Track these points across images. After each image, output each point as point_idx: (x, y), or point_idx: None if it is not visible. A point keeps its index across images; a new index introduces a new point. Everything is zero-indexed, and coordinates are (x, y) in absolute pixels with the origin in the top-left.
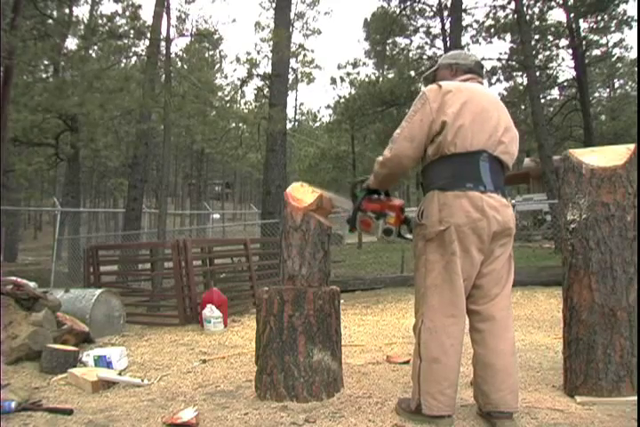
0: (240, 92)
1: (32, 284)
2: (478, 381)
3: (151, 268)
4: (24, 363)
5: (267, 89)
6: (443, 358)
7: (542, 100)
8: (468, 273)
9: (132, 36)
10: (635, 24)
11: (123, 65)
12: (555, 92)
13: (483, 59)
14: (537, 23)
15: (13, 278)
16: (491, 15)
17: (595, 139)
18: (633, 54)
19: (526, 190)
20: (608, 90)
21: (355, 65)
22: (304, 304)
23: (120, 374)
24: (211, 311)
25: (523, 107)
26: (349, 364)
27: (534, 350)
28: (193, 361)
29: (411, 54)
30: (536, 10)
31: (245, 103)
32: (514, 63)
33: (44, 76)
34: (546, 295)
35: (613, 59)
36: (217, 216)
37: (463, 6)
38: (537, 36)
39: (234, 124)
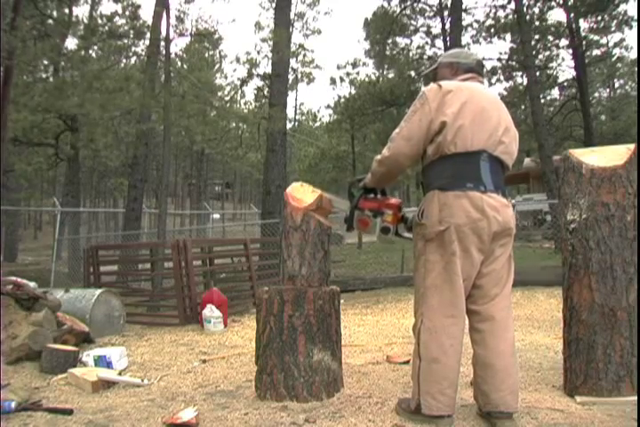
0: (240, 92)
1: (32, 284)
2: (478, 381)
3: (151, 268)
4: (24, 363)
5: (267, 89)
6: (442, 358)
7: (542, 100)
8: (468, 273)
9: (131, 36)
10: (635, 24)
11: (122, 65)
12: (555, 92)
13: (483, 59)
14: (537, 23)
15: (13, 278)
16: (491, 15)
17: (595, 139)
18: (633, 54)
19: (526, 190)
20: (608, 90)
21: (355, 65)
22: (304, 304)
23: (120, 374)
24: (211, 311)
25: (523, 107)
26: (349, 364)
27: (534, 350)
28: (193, 361)
29: (411, 54)
30: (536, 10)
31: (245, 103)
32: (514, 63)
33: (43, 76)
34: (546, 295)
35: (613, 59)
36: (217, 216)
37: (463, 6)
38: (537, 36)
39: (234, 124)
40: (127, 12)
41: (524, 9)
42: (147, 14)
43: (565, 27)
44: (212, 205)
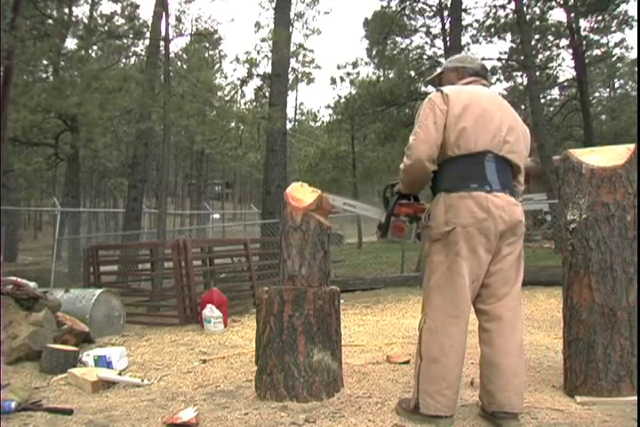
0: (240, 91)
1: (32, 284)
2: (484, 380)
3: (151, 268)
4: (24, 363)
5: (267, 89)
6: (442, 358)
7: (542, 100)
8: (477, 274)
9: (131, 36)
10: (635, 24)
11: (122, 65)
12: (555, 92)
13: (483, 59)
14: (537, 23)
15: (13, 278)
16: (491, 15)
17: (595, 139)
18: (633, 54)
19: (526, 190)
20: (608, 90)
21: (355, 65)
22: (304, 304)
23: (120, 374)
24: (211, 311)
25: (523, 107)
26: (349, 364)
27: (534, 350)
28: (193, 361)
29: (411, 54)
30: (536, 10)
31: (245, 103)
32: (514, 63)
33: (43, 76)
34: (546, 295)
35: (614, 59)
36: (217, 216)
37: (463, 6)
38: (537, 36)
39: (233, 124)
40: (126, 12)
41: (524, 9)
42: (146, 14)
43: (565, 27)
44: (212, 205)
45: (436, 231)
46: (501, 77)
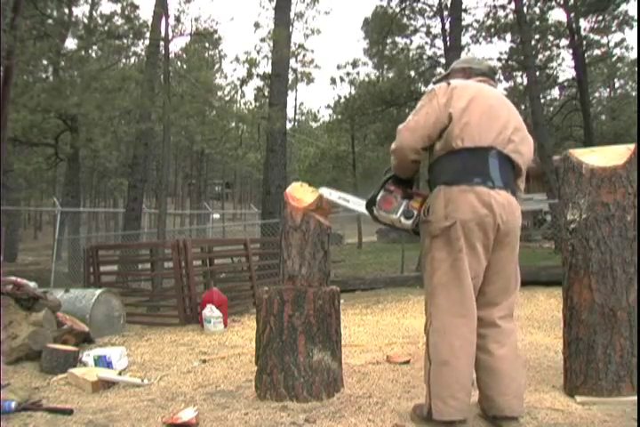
0: (240, 91)
1: (32, 284)
2: (481, 386)
3: (151, 268)
4: (24, 363)
5: (267, 89)
6: (452, 360)
7: (542, 100)
8: (476, 271)
9: (130, 36)
10: (635, 24)
11: (121, 65)
12: (555, 92)
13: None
14: (537, 23)
15: (13, 278)
16: (491, 15)
17: (595, 139)
18: (633, 54)
19: (526, 190)
20: (608, 90)
21: (354, 65)
22: (304, 304)
23: (120, 374)
24: (211, 311)
25: (523, 107)
26: (349, 364)
27: (534, 350)
28: (193, 361)
29: (410, 54)
30: (536, 10)
31: (245, 103)
32: (514, 63)
33: (43, 76)
34: (546, 295)
35: (614, 59)
36: (217, 216)
37: (463, 6)
38: (537, 36)
39: (233, 124)
40: (126, 12)
41: (524, 9)
42: (146, 14)
43: (565, 27)
44: (212, 205)
45: (435, 226)
46: (501, 77)
